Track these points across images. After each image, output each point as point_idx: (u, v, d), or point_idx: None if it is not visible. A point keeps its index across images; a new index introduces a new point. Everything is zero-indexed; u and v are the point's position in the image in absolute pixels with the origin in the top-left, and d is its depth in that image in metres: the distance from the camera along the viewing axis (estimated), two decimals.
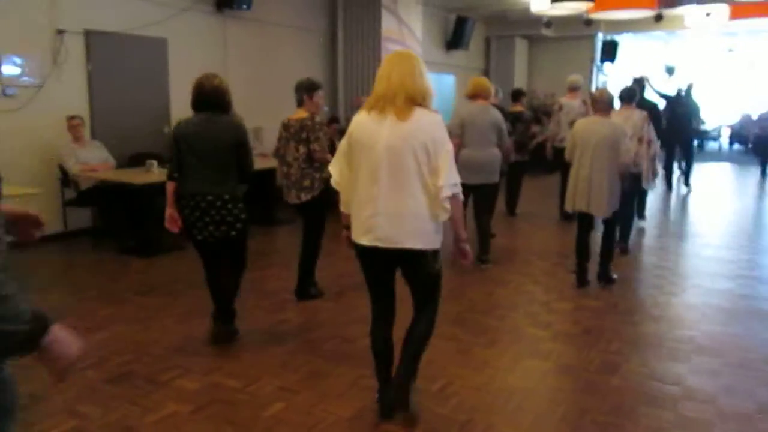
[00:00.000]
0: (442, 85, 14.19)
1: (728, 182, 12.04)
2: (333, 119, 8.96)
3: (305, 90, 4.62)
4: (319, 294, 4.94)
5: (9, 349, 1.48)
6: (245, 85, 8.16)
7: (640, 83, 8.38)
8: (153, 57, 7.60)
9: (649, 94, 8.88)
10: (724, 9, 10.75)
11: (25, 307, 1.42)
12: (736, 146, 18.23)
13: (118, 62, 7.19)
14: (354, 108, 8.32)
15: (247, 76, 8.52)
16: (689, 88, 11.03)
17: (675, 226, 7.90)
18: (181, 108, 7.77)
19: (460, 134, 5.67)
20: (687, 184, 10.90)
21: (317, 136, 4.55)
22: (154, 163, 6.48)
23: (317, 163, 4.57)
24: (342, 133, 9.35)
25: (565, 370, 3.66)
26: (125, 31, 7.16)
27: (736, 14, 10.74)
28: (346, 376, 3.50)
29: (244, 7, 8.29)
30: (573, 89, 8.67)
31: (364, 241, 2.78)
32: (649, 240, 7.15)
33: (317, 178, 4.59)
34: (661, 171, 7.45)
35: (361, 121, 2.78)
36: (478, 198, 5.81)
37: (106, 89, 7.08)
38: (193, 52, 8.01)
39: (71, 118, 6.43)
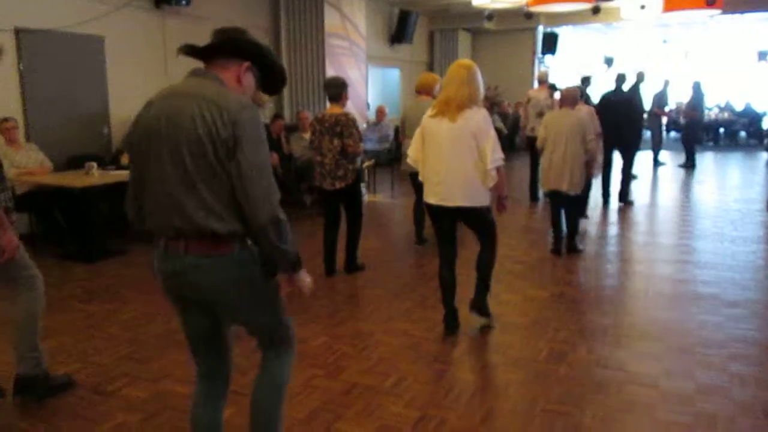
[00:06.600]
0: (387, 78, 14.26)
1: (664, 169, 12.44)
2: (277, 116, 8.86)
3: (343, 87, 5.17)
4: (362, 267, 5.59)
5: (284, 264, 1.97)
6: None
7: (586, 83, 8.89)
8: (89, 55, 7.36)
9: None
10: (658, 1, 11.10)
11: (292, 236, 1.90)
12: (673, 134, 18.87)
13: (52, 61, 6.92)
14: (299, 119, 8.90)
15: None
16: (639, 78, 9.21)
17: (616, 214, 8.13)
18: (120, 107, 7.59)
19: (403, 129, 6.14)
20: (623, 199, 8.78)
21: (351, 132, 5.11)
22: (94, 165, 6.29)
23: (350, 155, 5.15)
24: (287, 128, 9.30)
25: (514, 362, 3.73)
26: (59, 29, 6.90)
27: (669, 6, 11.09)
28: (299, 377, 3.48)
29: (184, 3, 8.10)
30: (541, 82, 8.93)
31: (432, 200, 3.94)
32: (591, 228, 7.34)
33: (350, 168, 5.21)
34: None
35: (429, 122, 3.93)
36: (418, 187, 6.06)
37: (40, 90, 6.82)
38: (132, 49, 7.79)
39: (5, 120, 6.15)
